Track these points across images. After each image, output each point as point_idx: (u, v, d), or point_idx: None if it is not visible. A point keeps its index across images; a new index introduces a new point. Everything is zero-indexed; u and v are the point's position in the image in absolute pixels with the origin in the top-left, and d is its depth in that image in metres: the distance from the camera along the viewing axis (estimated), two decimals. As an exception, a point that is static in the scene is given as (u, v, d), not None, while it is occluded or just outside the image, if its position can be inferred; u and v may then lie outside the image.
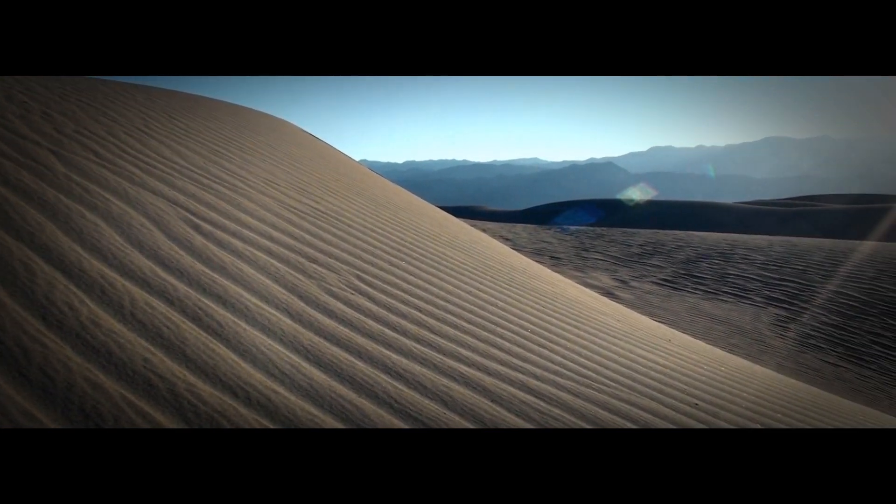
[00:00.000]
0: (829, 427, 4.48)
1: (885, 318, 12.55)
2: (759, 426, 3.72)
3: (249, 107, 12.18)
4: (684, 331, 10.13)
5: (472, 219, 27.90)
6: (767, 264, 16.16)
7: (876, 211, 47.26)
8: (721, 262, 16.37)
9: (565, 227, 22.16)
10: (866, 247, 18.10)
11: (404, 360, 2.68)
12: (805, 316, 12.67)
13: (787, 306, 13.19)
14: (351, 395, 2.23)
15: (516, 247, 16.26)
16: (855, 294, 13.82)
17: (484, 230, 17.62)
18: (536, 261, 13.34)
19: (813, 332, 11.81)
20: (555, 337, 4.08)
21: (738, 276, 15.21)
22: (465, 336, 3.36)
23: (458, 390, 2.58)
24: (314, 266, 3.51)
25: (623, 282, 14.10)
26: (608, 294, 12.36)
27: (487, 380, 2.82)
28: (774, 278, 14.99)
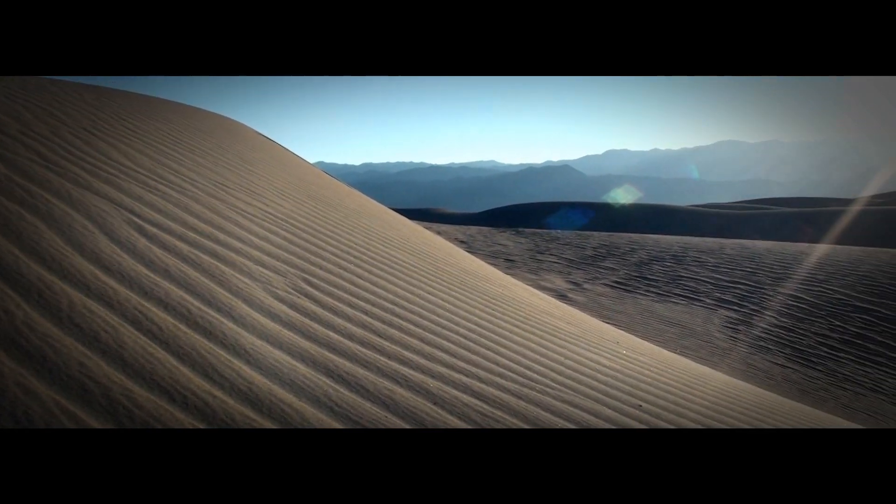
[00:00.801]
0: (774, 427, 4.56)
1: (832, 319, 12.78)
2: (699, 426, 3.78)
3: (203, 108, 12.10)
4: (636, 333, 10.24)
5: (428, 221, 27.90)
6: (719, 266, 16.38)
7: (827, 214, 48.07)
8: (673, 265, 16.55)
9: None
10: (815, 249, 18.41)
11: (347, 364, 2.68)
12: (755, 318, 12.86)
13: (737, 308, 13.38)
14: (290, 398, 2.23)
15: (471, 249, 16.31)
16: (803, 296, 14.05)
17: (439, 233, 17.65)
18: (491, 263, 13.39)
19: (762, 335, 12.00)
20: (502, 339, 4.10)
21: (689, 278, 15.40)
22: (410, 339, 3.37)
23: (401, 393, 2.59)
24: (260, 269, 3.50)
25: (576, 284, 14.20)
26: (561, 296, 12.44)
27: (431, 382, 2.84)
28: (725, 280, 15.20)
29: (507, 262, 15.63)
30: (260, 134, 12.73)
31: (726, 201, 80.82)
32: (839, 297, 13.98)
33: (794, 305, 13.58)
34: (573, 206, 61.75)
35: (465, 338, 3.82)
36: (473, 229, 21.99)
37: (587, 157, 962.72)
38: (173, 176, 4.86)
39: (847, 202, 65.34)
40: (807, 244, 20.49)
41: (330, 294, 3.58)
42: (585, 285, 14.17)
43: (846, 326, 12.47)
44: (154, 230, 3.41)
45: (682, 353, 9.66)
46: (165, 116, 7.88)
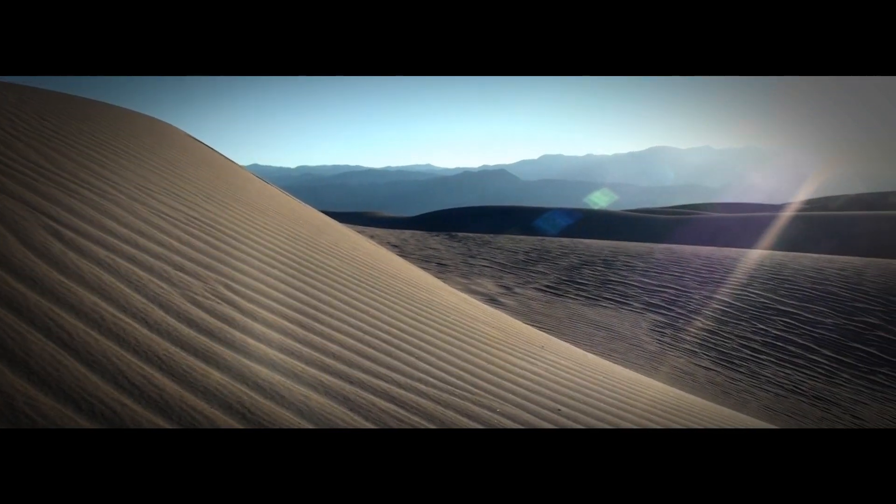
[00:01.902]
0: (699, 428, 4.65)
1: (756, 322, 13.07)
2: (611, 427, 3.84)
3: (133, 109, 11.90)
4: (565, 337, 10.35)
5: (363, 225, 27.82)
6: (648, 271, 16.63)
7: (757, 219, 49.09)
8: (603, 269, 16.76)
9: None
10: (741, 254, 18.81)
11: (264, 370, 2.68)
12: (681, 321, 13.09)
13: (664, 312, 13.60)
14: (202, 405, 2.22)
15: (403, 253, 16.32)
16: (728, 300, 14.34)
17: (372, 237, 17.62)
18: (423, 267, 13.42)
19: (688, 337, 12.21)
20: (424, 345, 4.12)
21: (619, 282, 15.61)
22: (330, 344, 3.37)
23: (317, 399, 2.60)
24: (180, 274, 3.47)
25: (507, 288, 14.30)
26: (492, 301, 12.52)
27: (348, 388, 2.84)
28: (654, 285, 15.44)
29: (440, 267, 15.68)
30: (190, 136, 12.57)
31: (658, 206, 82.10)
32: (762, 300, 14.31)
33: (718, 309, 13.85)
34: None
35: (388, 343, 3.83)
36: (407, 233, 22.00)
37: (523, 162, 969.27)
38: (95, 179, 4.79)
39: (778, 207, 66.88)
40: (733, 249, 20.92)
41: (250, 299, 3.57)
42: (516, 289, 14.28)
43: (768, 329, 12.76)
44: (71, 234, 3.36)
45: (609, 357, 9.80)
46: (90, 117, 7.75)
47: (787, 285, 15.24)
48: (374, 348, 3.62)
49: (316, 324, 3.63)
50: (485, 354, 4.50)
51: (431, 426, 2.80)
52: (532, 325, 10.29)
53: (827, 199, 78.19)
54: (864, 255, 21.94)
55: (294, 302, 3.86)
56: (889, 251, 28.97)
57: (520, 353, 5.11)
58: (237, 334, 2.96)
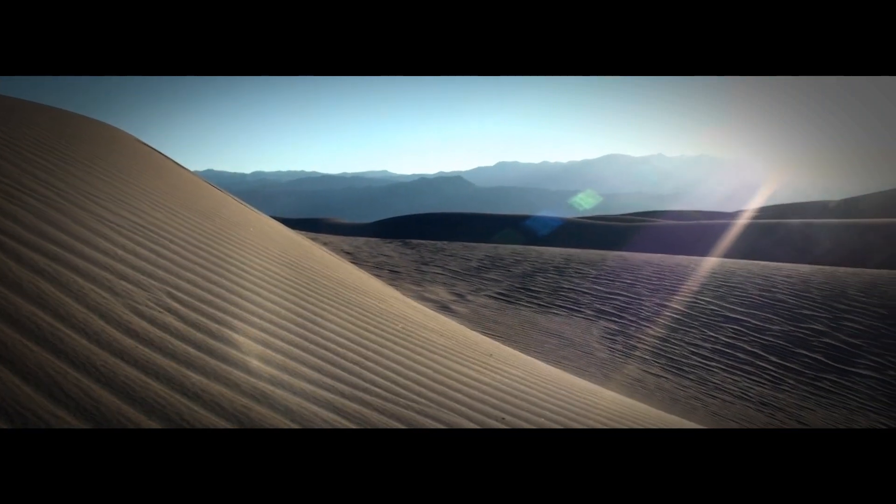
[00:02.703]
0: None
1: (705, 329, 13.24)
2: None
3: (85, 114, 11.75)
4: (515, 344, 10.40)
5: (317, 232, 27.70)
6: (600, 278, 16.77)
7: (711, 227, 49.67)
8: (556, 276, 16.87)
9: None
10: (691, 261, 19.03)
11: (205, 381, 2.66)
12: (632, 328, 13.21)
13: (616, 319, 13.72)
14: (140, 417, 2.21)
15: (356, 261, 16.28)
16: (678, 307, 14.51)
17: (325, 244, 17.55)
18: (375, 275, 13.39)
19: (638, 344, 12.34)
20: (370, 353, 4.13)
21: (571, 289, 15.72)
22: (275, 354, 3.36)
23: (258, 410, 2.59)
24: (123, 283, 3.44)
25: (460, 296, 14.34)
26: (444, 308, 12.54)
27: (292, 399, 2.84)
28: (605, 292, 15.57)
29: (392, 274, 15.67)
30: (141, 142, 12.44)
31: (612, 213, 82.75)
32: (712, 307, 14.50)
33: (669, 316, 14.01)
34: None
35: (333, 352, 3.83)
36: (361, 240, 21.95)
37: (479, 169, 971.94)
38: (39, 185, 4.72)
39: (730, 215, 67.80)
40: (684, 256, 21.16)
41: (195, 308, 3.54)
42: (469, 297, 14.32)
43: (718, 336, 12.94)
44: (11, 243, 3.31)
45: (559, 364, 9.87)
46: (35, 121, 7.64)
47: (736, 292, 15.47)
48: (319, 357, 3.62)
49: (260, 333, 3.62)
50: (431, 363, 4.52)
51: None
52: (483, 333, 10.33)
53: (780, 206, 79.48)
54: (815, 263, 22.32)
55: (239, 311, 3.84)
56: (841, 259, 29.50)
57: (467, 361, 5.13)
58: (178, 345, 2.94)
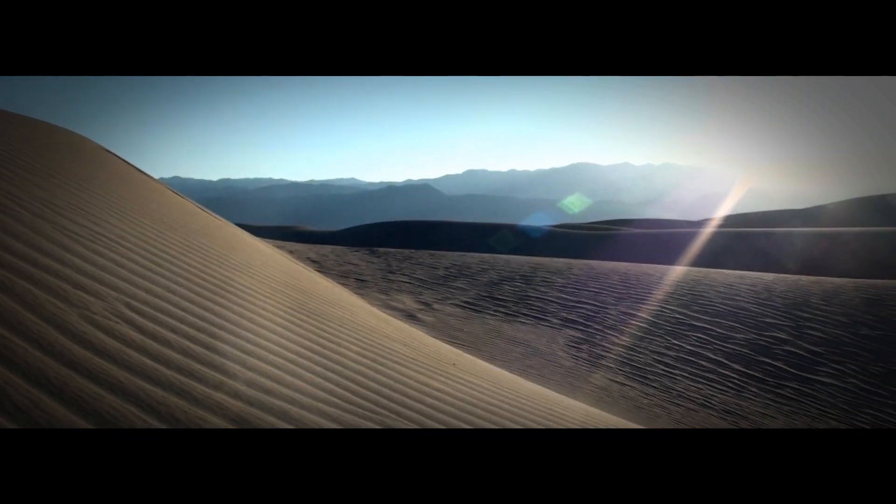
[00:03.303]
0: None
1: (669, 338, 13.34)
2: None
3: (49, 121, 11.62)
4: (481, 353, 10.41)
5: (284, 240, 27.56)
6: (566, 287, 16.85)
7: (678, 235, 50.06)
8: (522, 285, 16.92)
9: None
10: (657, 270, 19.17)
11: (160, 392, 2.65)
12: (597, 337, 13.28)
13: (581, 328, 13.78)
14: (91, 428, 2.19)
15: (322, 269, 16.24)
16: (644, 315, 14.61)
17: (291, 252, 17.49)
18: (342, 283, 13.36)
19: (603, 353, 12.40)
20: (331, 364, 4.12)
21: (537, 298, 15.78)
22: (233, 365, 3.35)
23: (214, 421, 2.58)
24: (80, 293, 3.41)
25: (426, 304, 14.34)
26: (410, 317, 12.53)
27: (249, 410, 2.83)
28: (572, 300, 15.64)
29: (359, 283, 15.65)
30: (105, 150, 12.33)
31: (579, 222, 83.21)
32: (677, 316, 14.61)
33: (634, 325, 14.11)
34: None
35: (294, 363, 3.82)
36: (327, 248, 21.89)
37: (447, 177, 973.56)
38: (-4, 194, 4.68)
39: (696, 224, 68.40)
40: (650, 265, 21.31)
41: (153, 319, 3.52)
42: (435, 305, 14.33)
43: (681, 344, 13.04)
44: (-36, 253, 3.28)
45: (525, 373, 9.90)
46: (2, 130, 7.56)
47: (700, 301, 15.60)
48: (278, 368, 3.60)
49: (219, 343, 3.60)
50: (393, 373, 4.51)
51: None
52: (449, 342, 10.34)
53: (745, 215, 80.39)
54: (781, 271, 22.57)
55: (198, 321, 3.82)
56: (804, 267, 29.86)
57: (430, 371, 5.14)
58: (134, 356, 2.92)
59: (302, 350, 4.16)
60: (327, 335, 4.90)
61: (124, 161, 12.28)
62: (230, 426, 2.60)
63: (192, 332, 3.59)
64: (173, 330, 3.49)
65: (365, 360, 4.56)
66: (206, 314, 4.04)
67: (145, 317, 3.49)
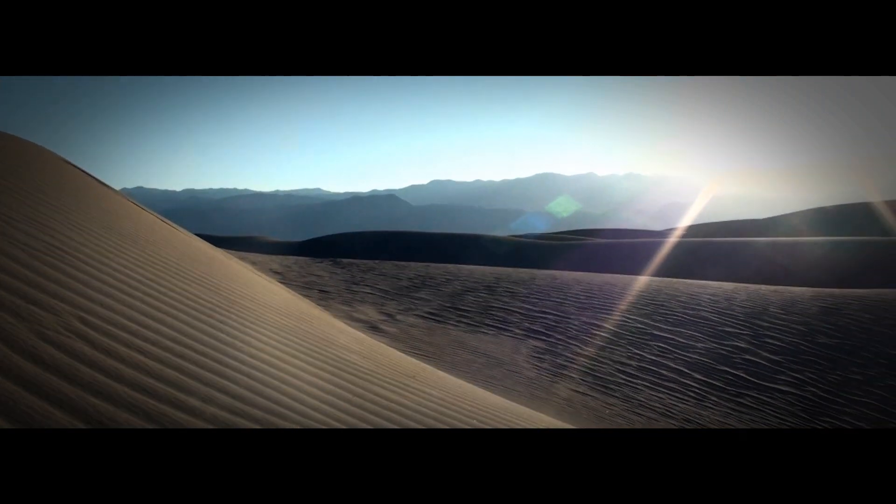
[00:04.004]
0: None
1: (631, 347, 13.44)
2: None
3: (9, 132, 11.48)
4: (443, 364, 10.42)
5: (248, 251, 27.41)
6: (529, 297, 16.91)
7: (641, 245, 50.40)
8: (486, 295, 16.96)
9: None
10: (619, 280, 19.30)
11: (111, 409, 2.63)
12: (560, 347, 13.34)
13: (544, 338, 13.84)
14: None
15: (285, 281, 16.17)
16: (606, 325, 14.71)
17: (254, 263, 17.41)
18: (304, 295, 13.32)
19: (566, 363, 12.46)
20: (289, 378, 4.11)
21: (500, 308, 15.82)
22: (188, 380, 3.33)
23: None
24: (32, 308, 3.38)
25: (390, 315, 14.33)
26: (373, 328, 12.52)
27: (200, 424, 2.82)
28: (535, 310, 15.71)
29: (322, 294, 15.60)
30: (65, 161, 12.20)
31: (544, 231, 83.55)
32: (638, 325, 14.73)
33: (597, 334, 14.20)
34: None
35: (250, 377, 3.81)
36: (291, 259, 21.80)
37: (413, 187, 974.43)
38: (-52, 207, 4.63)
39: (660, 234, 69.01)
40: (612, 274, 21.47)
41: (106, 333, 3.49)
42: (398, 316, 14.33)
43: (643, 354, 13.14)
44: (-87, 268, 3.25)
45: (486, 384, 9.92)
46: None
47: (661, 310, 15.74)
48: (236, 383, 3.59)
49: (174, 357, 3.58)
50: (349, 385, 4.52)
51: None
52: (411, 353, 10.34)
53: (709, 225, 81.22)
54: (742, 280, 22.82)
55: (153, 335, 3.80)
56: (764, 277, 30.17)
57: (387, 383, 5.14)
58: (86, 371, 2.90)
59: (261, 364, 4.14)
60: (284, 348, 4.88)
61: (85, 173, 12.16)
62: (182, 442, 2.60)
63: (146, 346, 3.57)
64: (127, 344, 3.46)
65: (321, 373, 4.56)
66: (162, 328, 4.02)
67: (99, 331, 3.47)
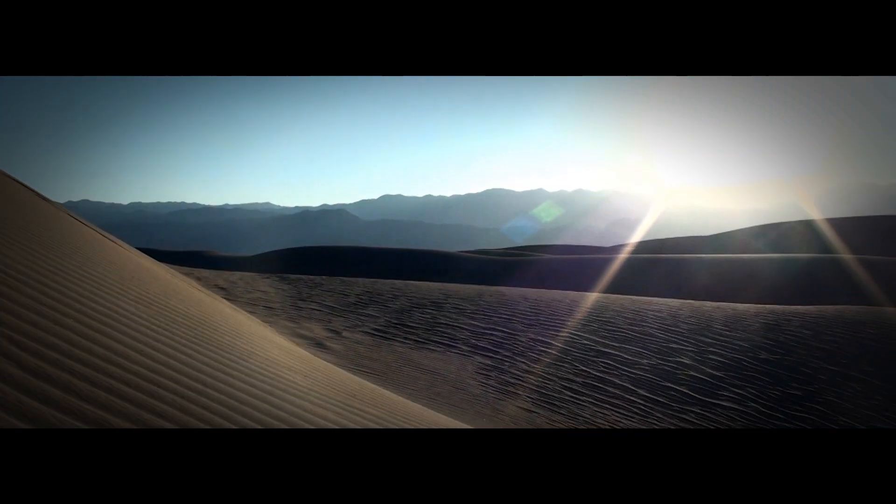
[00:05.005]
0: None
1: (578, 364, 13.54)
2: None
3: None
4: (388, 382, 10.40)
5: (194, 266, 27.13)
6: (476, 313, 16.95)
7: (590, 261, 50.83)
8: (433, 312, 16.97)
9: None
10: (566, 296, 19.43)
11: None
12: (506, 364, 13.38)
13: (491, 355, 13.88)
14: (-45, 473, 2.13)
15: (230, 297, 16.02)
16: (553, 342, 14.79)
17: (199, 279, 17.22)
18: (249, 311, 13.21)
19: (512, 380, 12.51)
20: (225, 398, 4.06)
21: (448, 325, 15.84)
22: (118, 401, 3.28)
23: (91, 461, 2.53)
24: (-43, 328, 3.31)
25: (336, 332, 14.27)
26: (318, 345, 12.45)
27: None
28: (482, 327, 15.75)
29: (267, 310, 15.47)
30: (3, 173, 11.98)
31: (494, 247, 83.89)
32: (584, 342, 14.85)
33: (543, 351, 14.28)
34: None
35: (185, 397, 3.76)
36: (237, 275, 21.61)
37: (363, 202, 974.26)
38: None
39: (610, 250, 69.68)
40: (559, 291, 21.60)
41: (36, 353, 3.43)
42: (345, 333, 14.27)
43: (589, 370, 13.24)
44: None
45: (431, 402, 9.91)
46: None
47: (608, 327, 15.88)
48: (168, 404, 3.54)
49: (106, 378, 3.52)
50: (286, 405, 4.48)
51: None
52: (356, 371, 10.30)
53: (658, 241, 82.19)
54: (687, 296, 23.10)
55: (85, 355, 3.73)
56: (710, 293, 30.61)
57: (327, 402, 5.11)
58: (11, 393, 2.84)
59: (191, 383, 4.09)
60: (220, 366, 4.83)
61: (23, 185, 11.96)
62: (108, 466, 2.55)
63: (77, 366, 3.50)
64: (58, 365, 3.40)
65: (257, 392, 4.52)
66: (95, 347, 3.95)
67: (28, 351, 3.40)
